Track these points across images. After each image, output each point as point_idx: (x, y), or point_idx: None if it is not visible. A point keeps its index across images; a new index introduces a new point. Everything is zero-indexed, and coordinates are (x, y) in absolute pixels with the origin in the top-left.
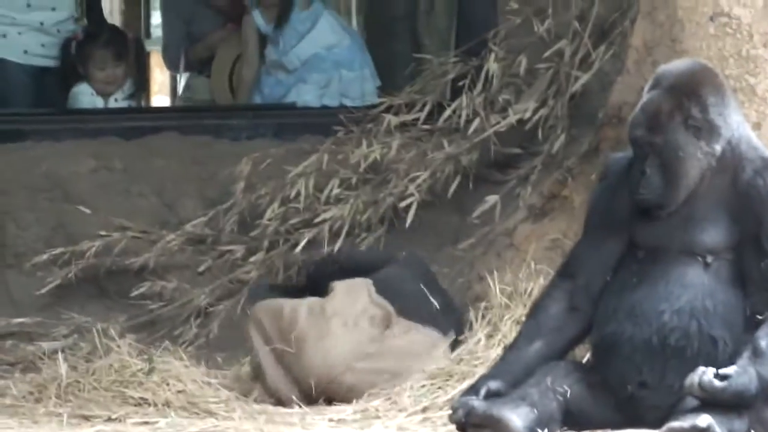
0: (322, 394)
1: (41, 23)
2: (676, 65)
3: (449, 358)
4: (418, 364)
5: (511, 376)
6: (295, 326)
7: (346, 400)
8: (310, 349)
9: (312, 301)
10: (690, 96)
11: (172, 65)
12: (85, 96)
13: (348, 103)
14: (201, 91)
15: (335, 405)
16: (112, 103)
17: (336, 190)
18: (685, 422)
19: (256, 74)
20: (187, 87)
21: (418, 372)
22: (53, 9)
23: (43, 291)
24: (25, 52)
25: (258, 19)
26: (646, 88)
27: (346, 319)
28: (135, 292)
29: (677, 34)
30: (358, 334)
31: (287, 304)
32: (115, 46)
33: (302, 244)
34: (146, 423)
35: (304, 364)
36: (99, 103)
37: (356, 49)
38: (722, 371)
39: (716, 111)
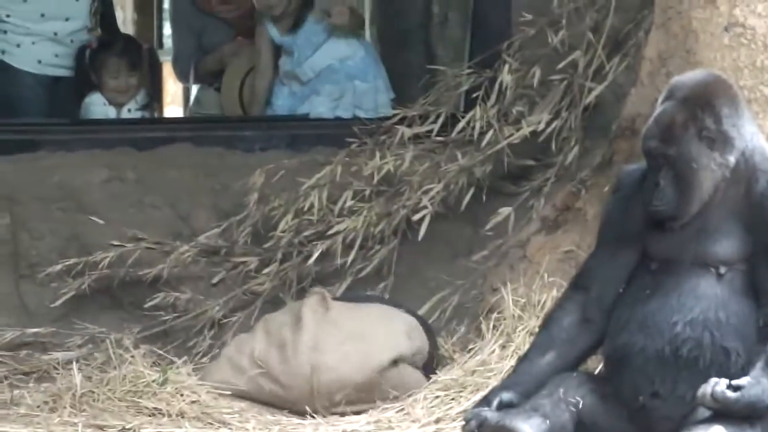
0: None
1: (55, 33)
2: (689, 76)
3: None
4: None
5: (524, 387)
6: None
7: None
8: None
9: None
10: (704, 107)
11: (182, 77)
12: (97, 106)
13: (361, 114)
14: (210, 105)
15: (348, 416)
16: (126, 114)
17: (349, 202)
18: None
19: (270, 85)
20: (196, 101)
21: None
22: (67, 19)
23: (58, 302)
24: (39, 62)
25: (271, 30)
26: (660, 100)
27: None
28: (149, 303)
29: (691, 45)
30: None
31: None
32: (130, 56)
33: (315, 255)
34: None
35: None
36: (111, 113)
37: (370, 60)
38: (735, 382)
39: (730, 122)
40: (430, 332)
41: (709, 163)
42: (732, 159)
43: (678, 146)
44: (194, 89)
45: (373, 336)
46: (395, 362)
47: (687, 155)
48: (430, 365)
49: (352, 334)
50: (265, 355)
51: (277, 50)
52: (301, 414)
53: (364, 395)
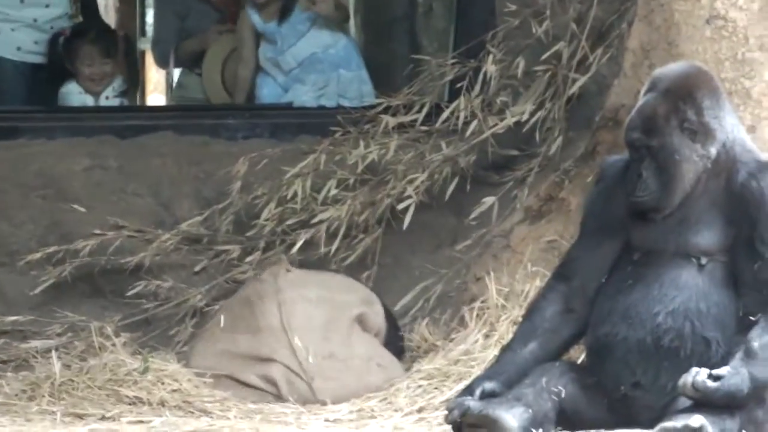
0: None
1: (35, 20)
2: (671, 68)
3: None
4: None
5: (507, 376)
6: None
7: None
8: None
9: None
10: (686, 99)
11: (161, 61)
12: (73, 95)
13: (345, 103)
14: (193, 89)
15: (330, 405)
16: (103, 102)
17: (333, 191)
18: (677, 422)
19: (253, 74)
20: (179, 85)
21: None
22: (47, 6)
23: (38, 290)
24: (18, 48)
25: (254, 17)
26: (643, 91)
27: None
28: (130, 292)
29: (674, 37)
30: None
31: None
32: (103, 43)
33: (299, 244)
34: (141, 422)
35: None
36: (89, 101)
37: (352, 49)
38: (715, 372)
39: (711, 114)
40: (392, 317)
41: (691, 154)
42: (713, 151)
43: (660, 138)
44: (176, 74)
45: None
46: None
47: (669, 147)
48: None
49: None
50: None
51: (258, 38)
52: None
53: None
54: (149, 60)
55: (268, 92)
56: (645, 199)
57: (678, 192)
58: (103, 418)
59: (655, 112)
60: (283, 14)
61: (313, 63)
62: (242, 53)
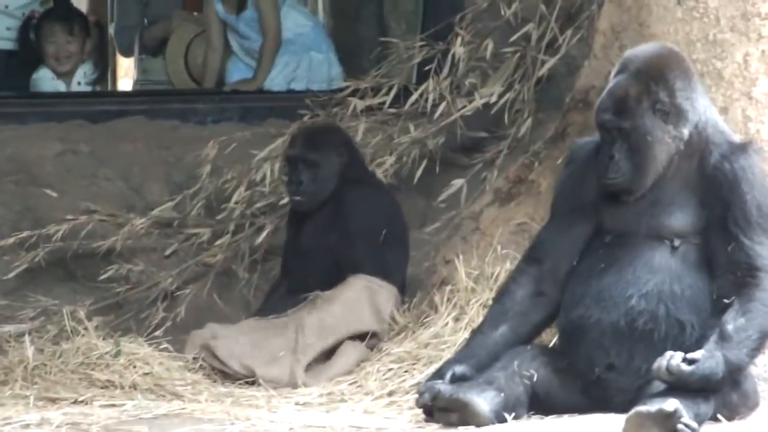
0: None
1: (6, 6)
2: (642, 50)
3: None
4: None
5: (477, 360)
6: None
7: None
8: None
9: None
10: (657, 80)
11: (124, 48)
12: (45, 81)
13: (315, 87)
14: (157, 74)
15: (301, 388)
16: (75, 87)
17: None
18: (652, 406)
19: (222, 60)
20: (142, 71)
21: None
22: None
23: (10, 275)
24: None
25: (217, 5)
26: (613, 73)
27: None
28: (102, 276)
29: (645, 18)
30: None
31: None
32: (67, 22)
33: (268, 230)
34: (113, 405)
35: None
36: (61, 87)
37: (321, 31)
38: (690, 355)
39: (683, 95)
40: None
41: (663, 136)
42: (686, 132)
43: (632, 119)
44: (140, 60)
45: None
46: None
47: (642, 128)
48: None
49: None
50: None
51: (225, 25)
52: None
53: None
54: None
55: (238, 76)
56: (617, 181)
57: (650, 174)
58: (75, 401)
59: (626, 94)
60: (240, 6)
61: (286, 45)
62: (210, 39)
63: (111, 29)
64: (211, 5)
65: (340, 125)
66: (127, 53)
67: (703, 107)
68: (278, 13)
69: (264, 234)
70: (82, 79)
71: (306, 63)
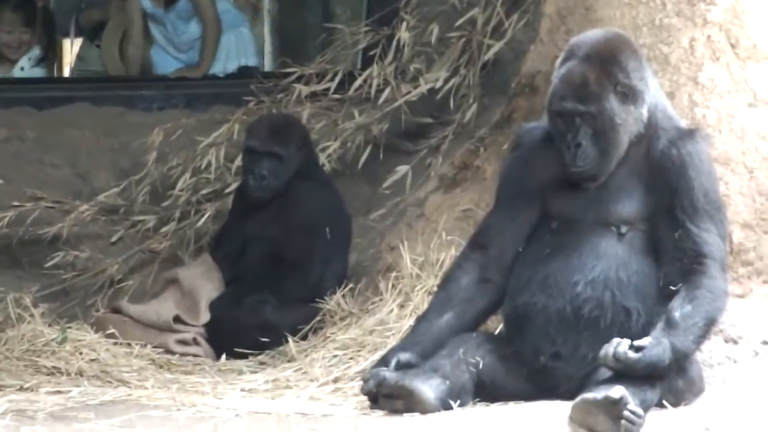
0: None
1: None
2: (589, 35)
3: None
4: None
5: (422, 347)
6: None
7: None
8: None
9: None
10: (612, 62)
11: (61, 30)
12: None
13: (251, 63)
14: (93, 62)
15: (247, 375)
16: (18, 72)
17: None
18: (598, 393)
19: (141, 52)
20: (79, 58)
21: None
22: None
23: None
24: None
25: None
26: (560, 60)
27: None
28: (48, 263)
29: (591, 2)
30: None
31: None
32: (25, 10)
33: (210, 213)
34: (59, 392)
35: None
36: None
37: (235, 11)
38: (637, 343)
39: (637, 76)
40: None
41: (627, 117)
42: (645, 113)
43: (597, 103)
44: (76, 46)
45: None
46: None
47: (609, 111)
48: None
49: None
50: None
51: (147, 18)
52: None
53: None
54: None
55: (163, 67)
56: (586, 169)
57: (615, 158)
58: (21, 388)
59: (586, 79)
60: (168, 1)
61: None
62: (131, 33)
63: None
64: (134, 1)
65: (297, 117)
66: (64, 35)
67: (654, 89)
68: (214, 0)
69: (205, 218)
70: (26, 64)
71: (234, 41)
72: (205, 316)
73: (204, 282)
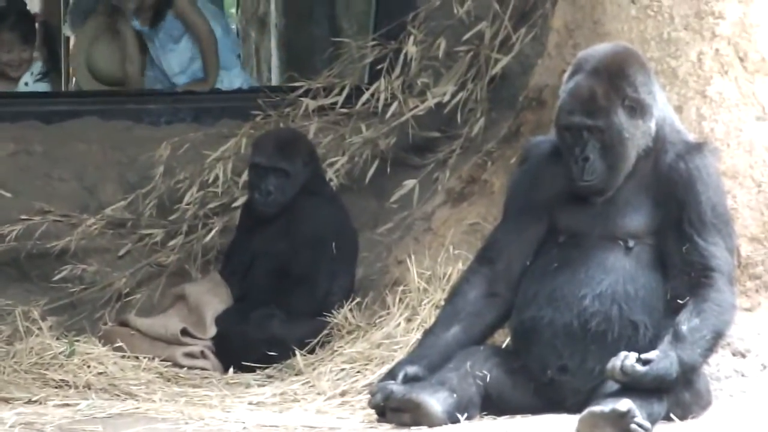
0: None
1: None
2: (597, 49)
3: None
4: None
5: (430, 360)
6: None
7: None
8: None
9: None
10: (619, 76)
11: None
12: None
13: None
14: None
15: (254, 388)
16: (23, 87)
17: None
18: (605, 406)
19: (139, 69)
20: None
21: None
22: None
23: None
24: None
25: (133, 20)
26: (567, 74)
27: None
28: (56, 276)
29: (599, 16)
30: None
31: None
32: (22, 29)
33: (217, 228)
34: (67, 405)
35: None
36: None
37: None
38: (644, 356)
39: (645, 90)
40: None
41: (635, 131)
42: (653, 126)
43: (606, 118)
44: None
45: None
46: None
47: (617, 125)
48: None
49: None
50: None
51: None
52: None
53: None
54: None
55: (153, 82)
56: (594, 183)
57: (623, 172)
58: (29, 401)
59: (593, 92)
60: (154, 21)
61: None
62: (127, 53)
63: (64, 29)
64: (125, 20)
65: (303, 132)
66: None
67: (662, 103)
68: (203, 14)
69: (213, 232)
70: (29, 79)
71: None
72: (211, 330)
73: (210, 297)
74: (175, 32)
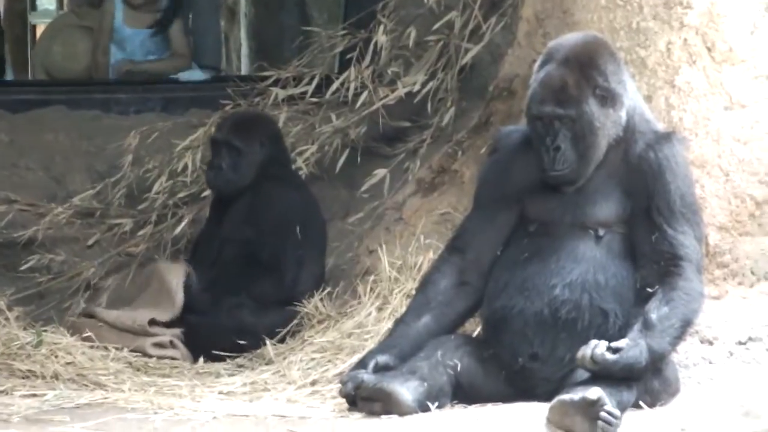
0: None
1: None
2: (567, 39)
3: None
4: None
5: (400, 350)
6: None
7: None
8: None
9: None
10: (590, 65)
11: None
12: None
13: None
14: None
15: (224, 377)
16: None
17: None
18: (575, 395)
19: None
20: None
21: None
22: None
23: None
24: None
25: (118, 13)
26: (538, 64)
27: None
28: (23, 266)
29: (568, 6)
30: None
31: None
32: None
33: (188, 218)
34: (34, 395)
35: None
36: None
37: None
38: (614, 344)
39: (616, 79)
40: None
41: (606, 120)
42: (624, 116)
43: (577, 107)
44: None
45: None
46: None
47: (588, 115)
48: None
49: None
50: None
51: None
52: None
53: None
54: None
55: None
56: (565, 172)
57: (594, 162)
58: None
59: (564, 82)
60: (159, 28)
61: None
62: (101, 41)
63: (31, 17)
64: (109, 7)
65: (272, 117)
66: None
67: (632, 92)
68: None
69: (184, 223)
70: None
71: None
72: (179, 297)
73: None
74: (162, 44)
